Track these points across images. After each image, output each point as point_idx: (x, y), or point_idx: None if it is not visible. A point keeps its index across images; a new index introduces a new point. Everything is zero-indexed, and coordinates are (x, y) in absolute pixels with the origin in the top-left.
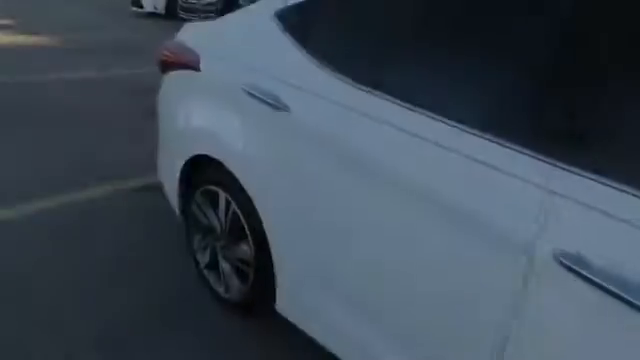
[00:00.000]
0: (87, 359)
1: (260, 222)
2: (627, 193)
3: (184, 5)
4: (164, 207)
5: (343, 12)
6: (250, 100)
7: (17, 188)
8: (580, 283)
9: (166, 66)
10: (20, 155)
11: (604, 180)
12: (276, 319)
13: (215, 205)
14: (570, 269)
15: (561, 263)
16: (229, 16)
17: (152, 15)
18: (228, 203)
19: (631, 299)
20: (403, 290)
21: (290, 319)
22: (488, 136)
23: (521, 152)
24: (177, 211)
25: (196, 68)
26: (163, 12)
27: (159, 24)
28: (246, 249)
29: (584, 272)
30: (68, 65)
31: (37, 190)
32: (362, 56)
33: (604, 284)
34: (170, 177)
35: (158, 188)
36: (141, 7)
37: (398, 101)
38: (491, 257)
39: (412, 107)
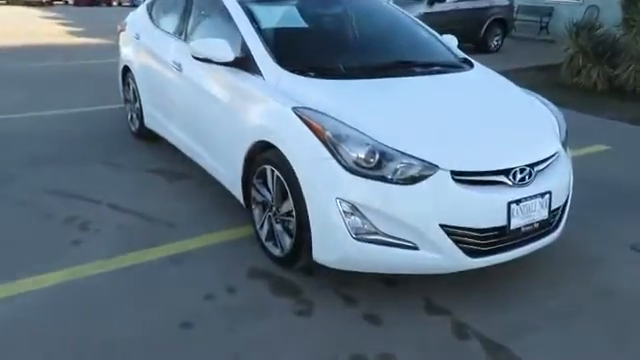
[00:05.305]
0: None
1: (136, 83)
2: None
3: None
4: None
5: (160, 6)
6: (134, 39)
7: (68, 104)
8: (178, 71)
9: (119, 31)
10: (76, 92)
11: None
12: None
13: (129, 86)
14: (175, 67)
15: (173, 65)
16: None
17: None
18: (130, 80)
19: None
20: (177, 106)
21: (150, 127)
22: (175, 36)
23: (175, 37)
24: (121, 94)
25: (124, 30)
26: None
27: None
28: (136, 102)
29: (181, 70)
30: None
31: (80, 104)
32: (162, 20)
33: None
34: (119, 79)
35: None
36: None
37: (167, 32)
38: (168, 70)
39: (169, 33)
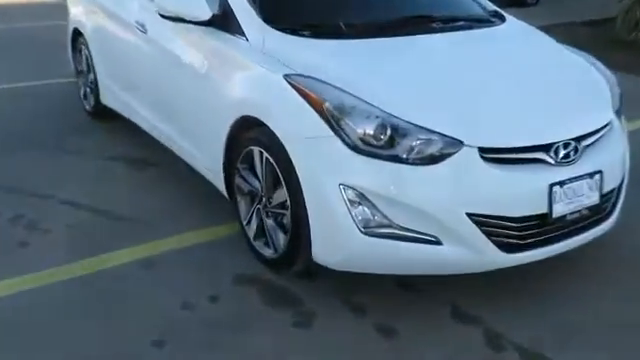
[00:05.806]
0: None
1: (89, 50)
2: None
3: None
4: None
5: None
6: (91, 5)
7: (8, 77)
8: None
9: None
10: (18, 62)
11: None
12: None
13: (81, 53)
14: (138, 29)
15: (136, 26)
16: None
17: None
18: (82, 46)
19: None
20: (141, 77)
21: (107, 104)
22: None
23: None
24: (71, 64)
25: None
26: None
27: None
28: (90, 74)
29: (145, 32)
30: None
31: (23, 78)
32: None
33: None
34: (68, 45)
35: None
36: None
37: None
38: (130, 32)
39: None
